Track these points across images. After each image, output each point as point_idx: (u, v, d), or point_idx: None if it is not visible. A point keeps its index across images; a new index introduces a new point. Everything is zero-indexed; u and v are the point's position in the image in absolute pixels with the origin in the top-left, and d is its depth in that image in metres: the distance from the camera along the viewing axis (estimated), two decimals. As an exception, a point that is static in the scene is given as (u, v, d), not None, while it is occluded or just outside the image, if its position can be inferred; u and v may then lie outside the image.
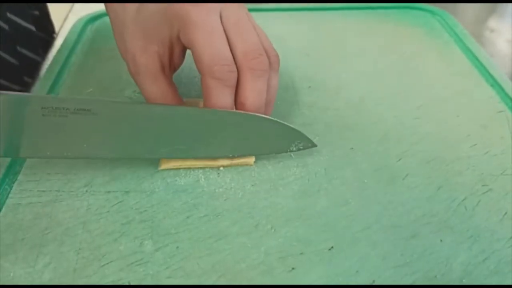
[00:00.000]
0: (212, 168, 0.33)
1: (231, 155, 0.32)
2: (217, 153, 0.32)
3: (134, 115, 0.30)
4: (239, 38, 0.31)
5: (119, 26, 0.34)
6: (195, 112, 0.31)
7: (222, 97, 0.31)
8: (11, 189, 0.31)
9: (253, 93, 0.31)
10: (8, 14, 0.50)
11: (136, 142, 0.31)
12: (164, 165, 0.33)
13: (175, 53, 0.33)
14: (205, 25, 0.30)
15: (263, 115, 0.32)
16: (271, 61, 0.33)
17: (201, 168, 0.33)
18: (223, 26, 0.31)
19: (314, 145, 0.34)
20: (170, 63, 0.33)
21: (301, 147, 0.33)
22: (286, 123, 0.32)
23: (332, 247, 0.28)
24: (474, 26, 0.56)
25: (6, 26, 0.49)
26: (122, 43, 0.34)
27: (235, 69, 0.31)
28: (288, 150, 0.33)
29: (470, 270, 0.27)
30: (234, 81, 0.31)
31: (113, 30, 0.35)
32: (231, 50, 0.31)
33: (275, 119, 0.32)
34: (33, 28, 0.54)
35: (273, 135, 0.32)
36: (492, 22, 0.59)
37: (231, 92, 0.31)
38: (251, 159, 0.33)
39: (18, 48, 0.51)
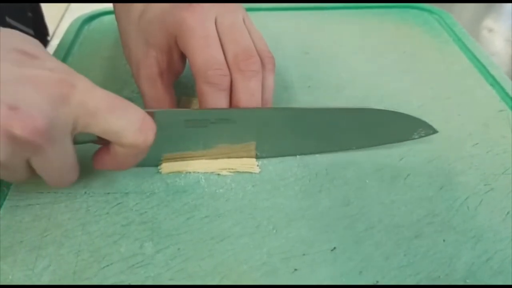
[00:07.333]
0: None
1: (354, 148, 0.34)
2: (345, 146, 0.34)
3: (270, 119, 0.32)
4: (231, 41, 0.32)
5: (125, 34, 0.36)
6: (319, 112, 0.33)
7: (217, 101, 0.31)
8: (8, 190, 0.31)
9: (245, 94, 0.32)
10: (7, 19, 0.49)
11: (269, 143, 0.33)
12: (165, 169, 0.32)
13: (174, 58, 0.34)
14: (200, 31, 0.31)
15: (382, 108, 0.34)
16: (265, 62, 0.33)
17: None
18: (217, 31, 0.32)
19: (435, 131, 0.34)
20: (169, 69, 0.34)
21: (423, 134, 0.34)
22: (406, 113, 0.34)
23: (335, 247, 0.28)
24: (471, 26, 0.56)
25: None
26: (127, 50, 0.36)
27: (228, 73, 0.31)
28: (411, 138, 0.34)
29: (474, 270, 0.27)
30: (228, 84, 0.31)
31: (120, 38, 0.37)
32: (224, 55, 0.32)
33: (395, 110, 0.33)
34: (31, 32, 0.53)
35: (395, 125, 0.34)
36: (489, 22, 0.59)
37: (225, 95, 0.32)
38: (255, 165, 0.33)
39: None
